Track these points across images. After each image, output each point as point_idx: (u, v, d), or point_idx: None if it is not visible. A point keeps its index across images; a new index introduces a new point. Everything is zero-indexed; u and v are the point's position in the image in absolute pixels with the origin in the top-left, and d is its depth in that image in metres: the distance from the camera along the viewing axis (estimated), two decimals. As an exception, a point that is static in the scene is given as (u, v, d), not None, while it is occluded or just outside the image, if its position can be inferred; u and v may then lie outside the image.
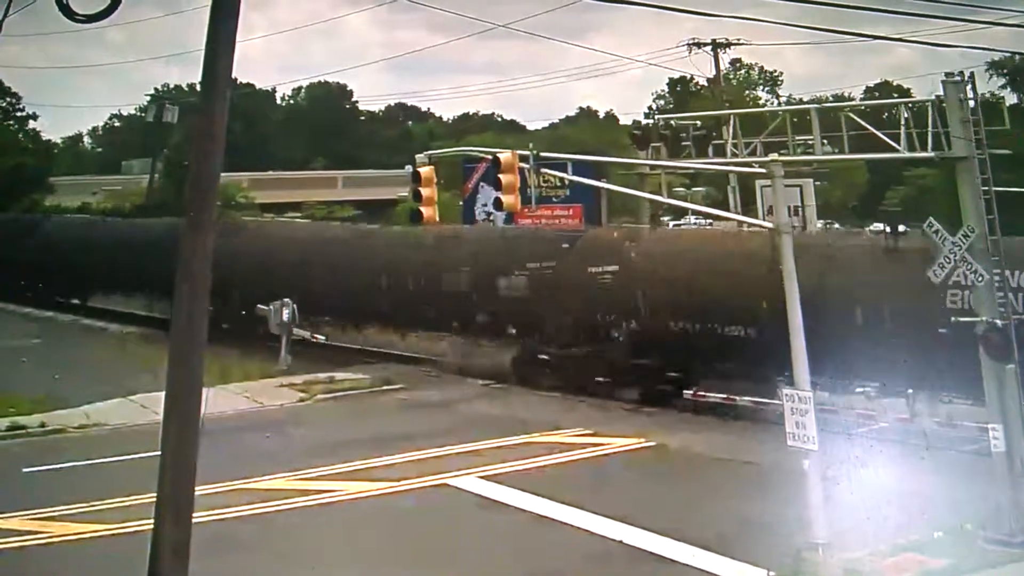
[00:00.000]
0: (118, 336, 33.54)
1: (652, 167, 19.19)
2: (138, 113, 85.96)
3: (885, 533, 12.62)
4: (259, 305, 27.79)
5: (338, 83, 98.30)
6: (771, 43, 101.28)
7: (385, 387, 24.70)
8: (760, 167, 14.38)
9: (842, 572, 11.74)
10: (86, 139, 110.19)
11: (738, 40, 48.67)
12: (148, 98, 77.28)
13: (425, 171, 14.69)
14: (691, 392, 22.25)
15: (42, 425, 20.51)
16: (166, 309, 36.44)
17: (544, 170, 15.09)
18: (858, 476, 13.58)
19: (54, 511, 14.70)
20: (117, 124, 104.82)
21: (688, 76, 69.46)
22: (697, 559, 12.72)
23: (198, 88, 9.41)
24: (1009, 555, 12.22)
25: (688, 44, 47.29)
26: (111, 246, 37.72)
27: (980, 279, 12.50)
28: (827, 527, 11.81)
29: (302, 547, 13.67)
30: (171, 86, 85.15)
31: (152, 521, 8.76)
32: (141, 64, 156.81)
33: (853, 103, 25.82)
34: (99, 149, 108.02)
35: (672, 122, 17.44)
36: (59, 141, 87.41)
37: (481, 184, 33.60)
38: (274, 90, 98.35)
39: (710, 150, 16.24)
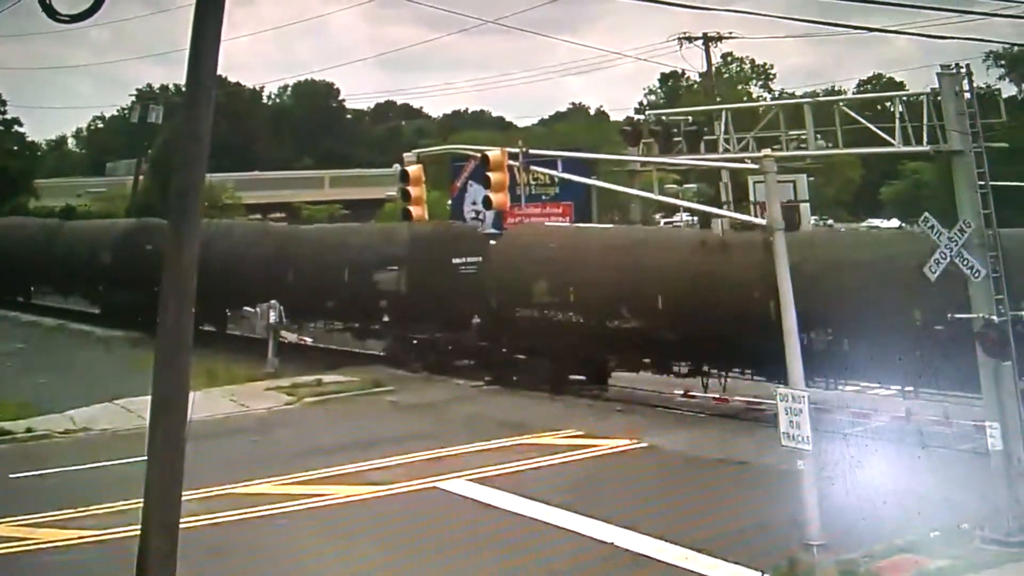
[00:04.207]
0: (103, 340, 33.22)
1: (643, 163, 19.06)
2: (123, 113, 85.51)
3: (881, 533, 12.52)
4: (245, 307, 27.53)
5: (325, 81, 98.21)
6: (764, 36, 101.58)
7: (374, 389, 24.50)
8: (753, 162, 14.25)
9: (837, 573, 11.60)
10: (70, 140, 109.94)
11: (730, 34, 48.47)
12: (132, 98, 76.89)
13: (413, 170, 14.55)
14: (682, 392, 22.15)
15: (28, 430, 20.31)
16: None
17: (534, 167, 14.93)
18: (853, 476, 13.44)
19: (40, 517, 14.55)
20: (101, 125, 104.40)
21: (679, 71, 69.66)
22: (690, 561, 12.58)
23: (183, 88, 9.23)
24: (1007, 555, 12.11)
25: (679, 38, 47.08)
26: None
27: (977, 275, 12.37)
28: (822, 527, 11.67)
29: (291, 552, 13.49)
30: (156, 86, 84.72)
31: (139, 527, 8.59)
32: (125, 64, 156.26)
33: (847, 97, 25.73)
34: (83, 151, 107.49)
35: (663, 118, 17.24)
36: (43, 143, 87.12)
37: (470, 182, 33.45)
38: (260, 89, 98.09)
39: (702, 146, 16.09)
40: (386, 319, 26.47)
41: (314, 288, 27.70)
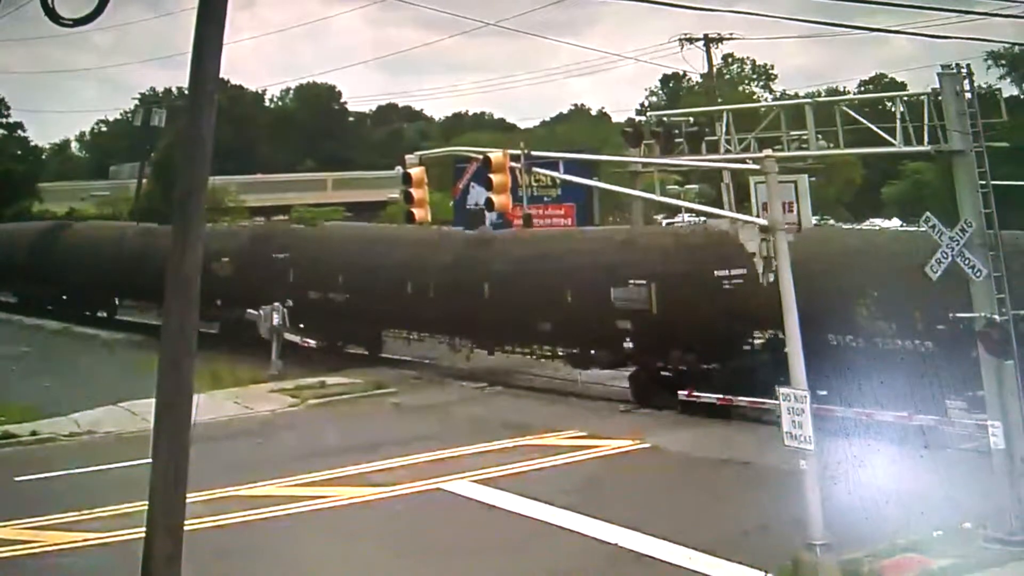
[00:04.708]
0: (107, 343, 33.26)
1: (645, 165, 19.07)
2: (126, 117, 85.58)
3: (884, 533, 12.53)
4: (249, 310, 27.50)
5: (327, 84, 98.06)
6: (764, 37, 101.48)
7: (378, 391, 24.53)
8: (754, 163, 14.28)
9: (841, 573, 11.62)
10: (74, 144, 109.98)
11: (731, 35, 48.61)
12: (135, 102, 76.92)
13: (415, 172, 14.58)
14: (685, 392, 22.11)
15: (33, 433, 20.35)
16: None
17: (535, 169, 14.95)
18: (856, 475, 13.47)
19: (46, 520, 14.58)
20: (104, 129, 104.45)
21: (681, 72, 69.69)
22: (693, 561, 12.61)
23: (186, 91, 9.27)
24: (1009, 553, 12.12)
25: (680, 40, 47.15)
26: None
27: (978, 274, 12.39)
28: (825, 527, 11.69)
29: (296, 554, 13.52)
30: (159, 89, 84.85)
31: (144, 530, 8.62)
32: (128, 67, 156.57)
33: (848, 97, 25.74)
34: (87, 154, 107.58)
35: (665, 119, 17.29)
36: (46, 147, 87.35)
37: (472, 184, 33.41)
38: (263, 92, 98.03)
39: (703, 147, 16.13)
40: (628, 345, 22.02)
41: (521, 306, 23.41)
